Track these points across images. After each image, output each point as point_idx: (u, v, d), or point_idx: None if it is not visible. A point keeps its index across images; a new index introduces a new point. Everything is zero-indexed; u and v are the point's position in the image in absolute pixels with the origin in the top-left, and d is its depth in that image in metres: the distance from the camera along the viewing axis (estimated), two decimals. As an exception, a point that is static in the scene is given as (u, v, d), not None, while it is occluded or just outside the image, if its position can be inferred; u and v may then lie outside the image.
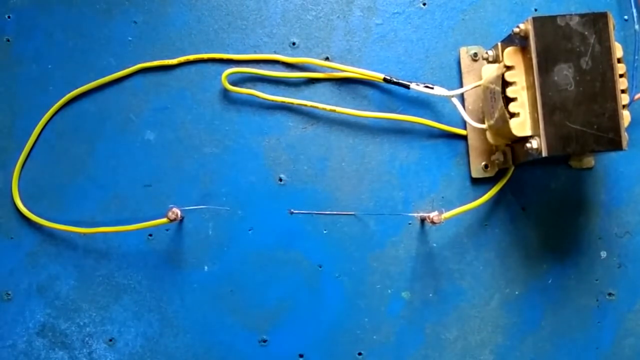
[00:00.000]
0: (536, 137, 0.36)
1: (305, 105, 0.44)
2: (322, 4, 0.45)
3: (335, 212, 0.43)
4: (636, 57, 0.43)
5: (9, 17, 0.45)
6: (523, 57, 0.37)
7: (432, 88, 0.42)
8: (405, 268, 0.43)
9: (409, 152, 0.44)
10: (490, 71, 0.41)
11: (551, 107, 0.35)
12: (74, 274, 0.43)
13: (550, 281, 0.44)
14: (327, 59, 0.45)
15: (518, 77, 0.37)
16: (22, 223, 0.44)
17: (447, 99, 0.42)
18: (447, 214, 0.40)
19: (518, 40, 0.37)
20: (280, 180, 0.44)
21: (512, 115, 0.37)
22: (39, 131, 0.44)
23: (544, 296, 0.43)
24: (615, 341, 0.43)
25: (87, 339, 0.43)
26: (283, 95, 0.44)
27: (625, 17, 0.45)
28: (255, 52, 0.45)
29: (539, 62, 0.35)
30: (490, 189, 0.43)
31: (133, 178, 0.44)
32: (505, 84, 0.37)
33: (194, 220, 0.43)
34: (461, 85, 0.44)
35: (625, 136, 0.35)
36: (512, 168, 0.43)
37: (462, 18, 0.45)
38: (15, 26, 0.45)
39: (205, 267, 0.43)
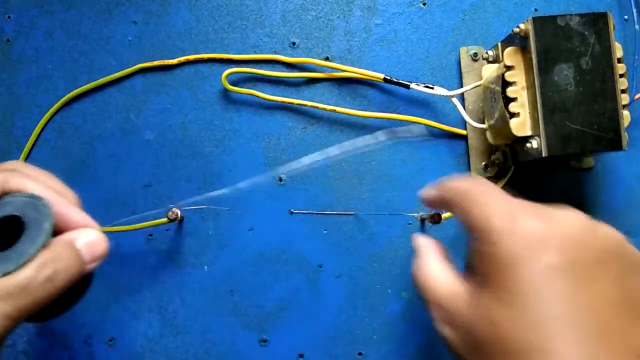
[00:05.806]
0: (536, 137, 0.36)
1: (305, 105, 0.44)
2: (322, 4, 0.45)
3: (335, 212, 0.43)
4: (636, 57, 0.43)
5: (9, 17, 0.45)
6: (523, 57, 0.37)
7: (432, 88, 0.41)
8: (405, 268, 0.43)
9: (409, 152, 0.44)
10: (490, 71, 0.41)
11: (551, 107, 0.35)
12: (74, 274, 0.43)
13: (550, 281, 0.43)
14: (327, 59, 0.45)
15: (518, 77, 0.37)
16: (22, 223, 0.44)
17: (447, 99, 0.42)
18: (447, 214, 0.40)
19: (518, 40, 0.37)
20: (280, 180, 0.44)
21: (512, 115, 0.37)
22: (39, 131, 0.44)
23: (544, 296, 0.43)
24: (615, 341, 0.43)
25: (87, 339, 0.43)
26: (283, 95, 0.44)
27: (625, 17, 0.45)
28: (255, 52, 0.45)
29: (539, 62, 0.35)
30: (490, 189, 0.43)
31: (133, 178, 0.44)
32: (505, 84, 0.37)
33: (194, 220, 0.43)
34: (461, 85, 0.44)
35: (625, 136, 0.35)
36: (512, 168, 0.43)
37: (462, 18, 0.45)
38: (15, 26, 0.45)
39: (205, 267, 0.43)
